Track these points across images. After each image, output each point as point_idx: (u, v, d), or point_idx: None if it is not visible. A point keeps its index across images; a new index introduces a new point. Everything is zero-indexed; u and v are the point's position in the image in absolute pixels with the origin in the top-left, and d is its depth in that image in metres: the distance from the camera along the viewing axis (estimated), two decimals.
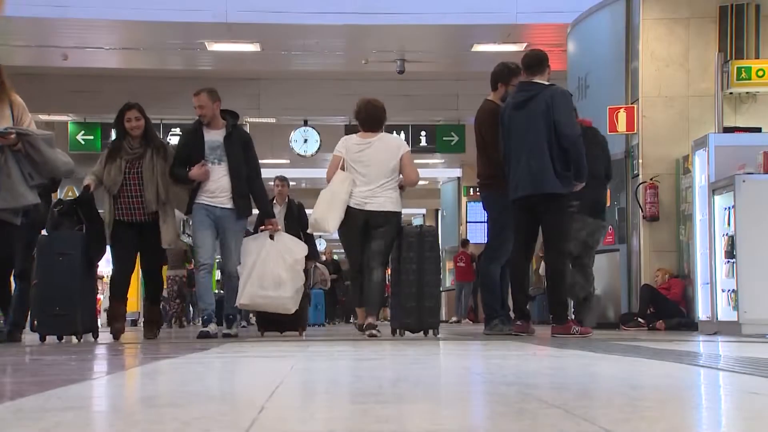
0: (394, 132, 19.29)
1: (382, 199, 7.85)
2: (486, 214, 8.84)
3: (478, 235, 23.86)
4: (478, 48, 15.47)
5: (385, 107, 8.08)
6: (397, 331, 8.05)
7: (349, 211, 7.84)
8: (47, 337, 7.68)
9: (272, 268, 8.37)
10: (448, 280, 29.33)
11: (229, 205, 8.26)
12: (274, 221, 8.73)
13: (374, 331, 7.56)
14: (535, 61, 7.93)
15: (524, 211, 7.86)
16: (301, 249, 8.63)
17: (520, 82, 8.02)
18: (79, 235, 7.79)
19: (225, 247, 8.45)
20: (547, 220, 7.76)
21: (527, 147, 7.72)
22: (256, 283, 8.31)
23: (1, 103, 7.16)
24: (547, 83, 7.85)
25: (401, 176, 7.94)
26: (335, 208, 7.81)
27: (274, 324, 9.41)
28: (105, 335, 8.40)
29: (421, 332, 7.97)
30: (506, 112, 7.96)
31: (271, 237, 8.50)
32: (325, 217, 7.85)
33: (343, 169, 7.88)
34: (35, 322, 7.68)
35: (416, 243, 7.94)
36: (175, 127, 17.97)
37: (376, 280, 7.87)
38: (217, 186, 8.26)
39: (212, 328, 8.33)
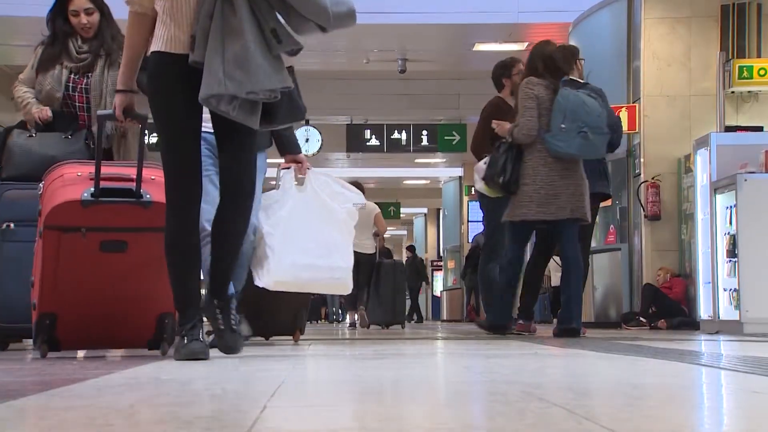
0: (396, 131, 19.36)
1: (367, 245, 12.47)
2: (482, 213, 8.81)
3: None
4: (480, 47, 15.46)
5: (363, 186, 10.95)
6: (384, 325, 12.75)
7: None
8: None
9: (317, 225, 5.62)
10: (449, 279, 29.35)
11: None
12: (301, 157, 5.84)
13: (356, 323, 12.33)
14: (565, 57, 7.82)
15: None
16: (356, 195, 5.89)
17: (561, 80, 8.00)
18: None
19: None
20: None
21: None
22: (297, 249, 5.47)
23: None
24: (582, 81, 7.86)
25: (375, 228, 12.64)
26: None
27: (260, 326, 6.46)
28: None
29: (398, 325, 12.91)
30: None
31: (299, 181, 5.69)
32: None
33: None
34: None
35: (391, 271, 12.98)
36: None
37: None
38: None
39: (245, 329, 5.56)
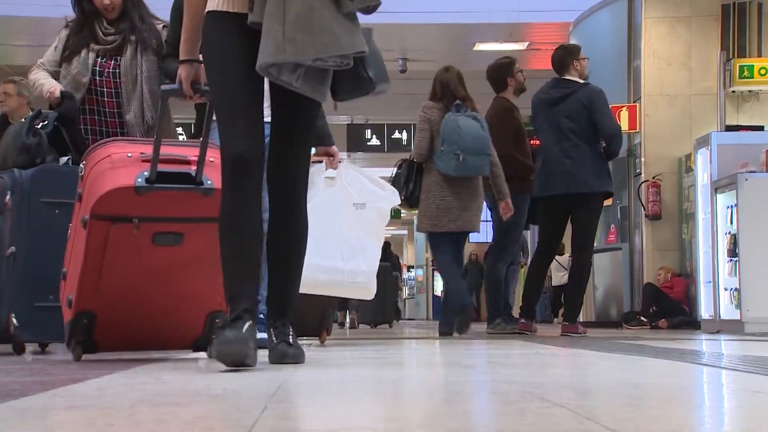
0: (396, 131, 19.36)
1: None
2: (491, 213, 8.81)
3: (480, 233, 23.94)
4: (480, 47, 15.47)
5: None
6: (373, 323, 14.56)
7: None
8: (27, 345, 4.99)
9: (342, 225, 5.24)
10: None
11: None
12: (334, 150, 5.33)
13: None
14: (559, 58, 8.05)
15: (553, 210, 7.84)
16: (389, 193, 5.51)
17: (555, 78, 8.04)
18: (73, 173, 4.21)
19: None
20: (580, 219, 7.76)
21: (561, 145, 7.72)
22: (317, 250, 4.88)
23: None
24: (582, 81, 7.88)
25: None
26: None
27: None
28: None
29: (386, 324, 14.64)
30: (539, 107, 7.99)
31: (329, 174, 5.25)
32: None
33: None
34: (13, 319, 4.66)
35: (381, 273, 13.54)
36: (177, 127, 17.93)
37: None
38: None
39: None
